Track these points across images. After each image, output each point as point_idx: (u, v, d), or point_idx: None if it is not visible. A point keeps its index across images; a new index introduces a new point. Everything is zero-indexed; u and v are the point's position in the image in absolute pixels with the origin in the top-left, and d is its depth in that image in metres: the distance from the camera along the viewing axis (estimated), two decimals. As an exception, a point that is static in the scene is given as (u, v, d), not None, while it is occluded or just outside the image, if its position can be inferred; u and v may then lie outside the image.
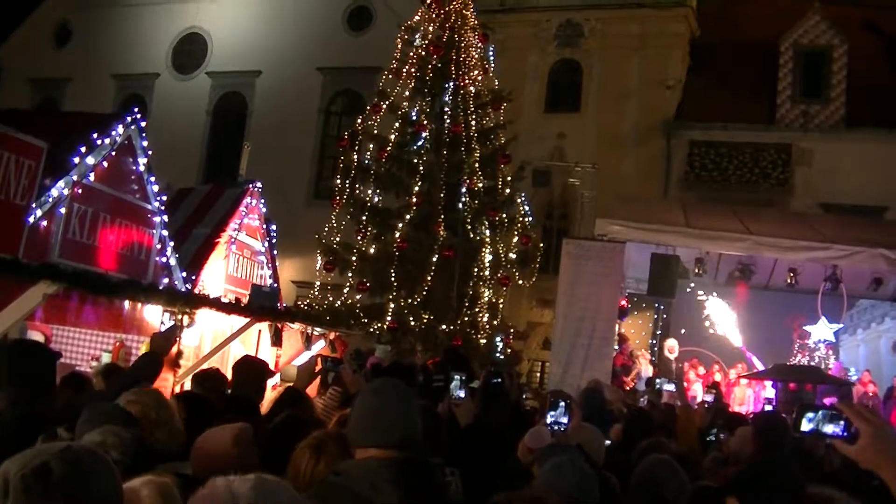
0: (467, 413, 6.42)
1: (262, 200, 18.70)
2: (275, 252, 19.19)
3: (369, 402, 3.59)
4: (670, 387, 14.49)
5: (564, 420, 5.39)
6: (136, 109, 14.45)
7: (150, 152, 14.38)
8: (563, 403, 5.46)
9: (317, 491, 3.30)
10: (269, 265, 18.91)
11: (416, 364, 11.12)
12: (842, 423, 2.73)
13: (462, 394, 6.29)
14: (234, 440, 4.07)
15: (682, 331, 21.59)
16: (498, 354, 20.86)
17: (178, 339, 10.82)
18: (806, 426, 2.74)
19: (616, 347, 17.91)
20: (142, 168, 14.19)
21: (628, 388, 17.98)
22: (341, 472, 3.36)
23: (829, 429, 2.73)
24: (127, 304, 11.72)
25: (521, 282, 22.11)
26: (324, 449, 3.95)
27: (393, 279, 20.58)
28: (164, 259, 14.97)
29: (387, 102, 22.29)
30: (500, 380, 7.45)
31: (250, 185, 18.35)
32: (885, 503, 2.50)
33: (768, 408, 16.73)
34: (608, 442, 7.21)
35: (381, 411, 3.52)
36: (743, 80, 28.53)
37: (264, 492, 2.18)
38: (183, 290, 14.82)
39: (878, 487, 2.63)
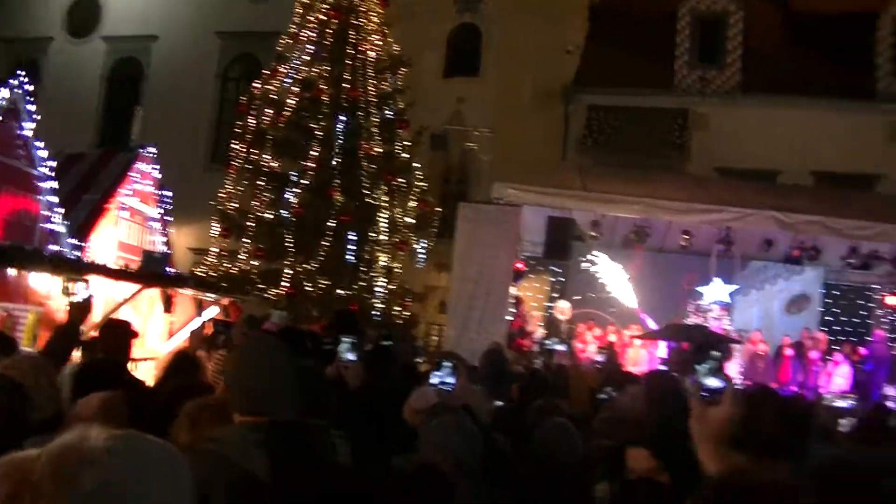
0: (356, 376, 6.40)
1: (157, 166, 18.40)
2: (168, 218, 18.90)
3: (238, 368, 3.54)
4: (560, 347, 14.75)
5: (450, 380, 5.42)
6: (22, 74, 14.08)
7: (37, 117, 14.02)
8: (448, 364, 5.47)
9: (189, 458, 3.23)
10: (162, 231, 18.63)
11: (305, 328, 11.04)
12: (721, 382, 2.78)
13: (351, 356, 6.29)
14: (101, 407, 3.97)
15: (577, 294, 21.89)
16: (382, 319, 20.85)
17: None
18: (699, 376, 2.80)
19: (513, 310, 18.07)
20: (28, 133, 13.84)
21: (526, 350, 18.18)
22: (215, 438, 3.31)
23: (711, 382, 2.78)
24: (12, 271, 11.44)
25: (417, 246, 22.15)
26: (200, 417, 3.87)
27: (289, 245, 20.44)
28: (51, 225, 14.62)
29: (285, 67, 22.06)
30: (389, 342, 7.44)
31: (142, 151, 18.01)
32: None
33: (661, 367, 17.02)
34: (499, 403, 7.26)
35: (250, 376, 3.47)
36: (641, 45, 28.70)
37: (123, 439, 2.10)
38: (71, 256, 14.50)
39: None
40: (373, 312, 20.54)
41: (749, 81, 28.15)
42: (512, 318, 18.02)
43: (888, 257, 18.32)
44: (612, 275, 21.46)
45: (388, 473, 3.27)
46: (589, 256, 21.45)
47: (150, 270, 14.33)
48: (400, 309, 21.82)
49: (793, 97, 26.96)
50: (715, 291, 20.93)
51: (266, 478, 3.11)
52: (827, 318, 22.66)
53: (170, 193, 19.22)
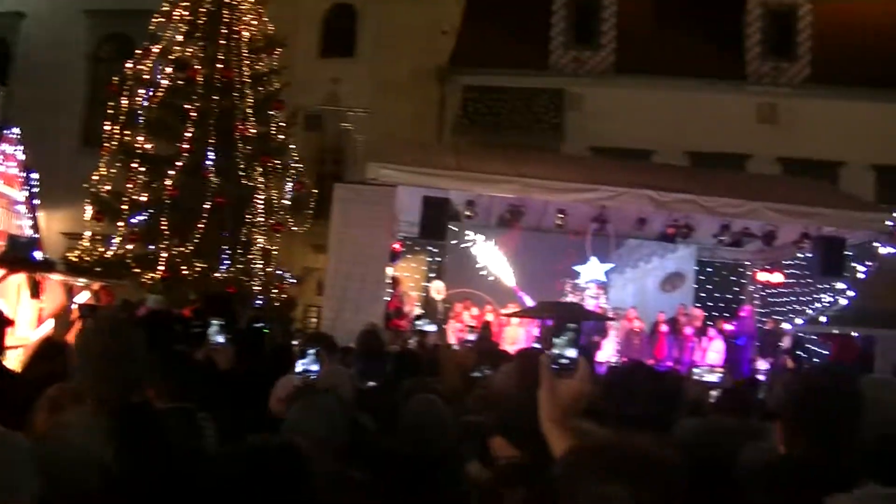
0: (226, 358, 6.30)
1: (22, 147, 17.84)
2: (36, 201, 18.38)
3: (81, 352, 3.44)
4: (431, 327, 14.82)
5: (314, 368, 5.37)
6: None
7: None
8: (311, 351, 5.43)
9: (39, 445, 3.14)
10: (30, 215, 18.11)
11: (175, 312, 10.83)
12: (575, 351, 2.76)
13: (221, 339, 6.18)
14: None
15: (454, 273, 22.08)
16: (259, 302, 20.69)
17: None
18: (555, 349, 2.76)
19: (389, 290, 18.07)
20: None
21: (402, 331, 18.20)
22: (64, 423, 3.21)
23: (570, 353, 2.76)
24: None
25: (294, 228, 22.02)
26: (60, 403, 3.79)
27: (164, 227, 20.07)
28: None
29: (158, 46, 21.60)
30: (261, 324, 7.35)
31: (6, 132, 17.45)
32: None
33: (537, 345, 17.17)
34: (373, 384, 7.22)
35: (93, 360, 3.37)
36: (517, 26, 28.77)
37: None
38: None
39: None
40: (251, 295, 20.32)
41: (623, 62, 28.50)
42: (389, 299, 18.02)
43: (759, 234, 18.73)
44: (490, 254, 21.58)
45: (241, 452, 3.20)
46: (468, 236, 21.58)
47: (15, 255, 13.85)
48: (277, 291, 21.63)
49: (666, 78, 27.42)
50: (591, 270, 21.23)
51: (111, 462, 3.02)
52: (701, 294, 23.15)
53: (36, 176, 18.65)
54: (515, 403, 3.14)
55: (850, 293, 17.55)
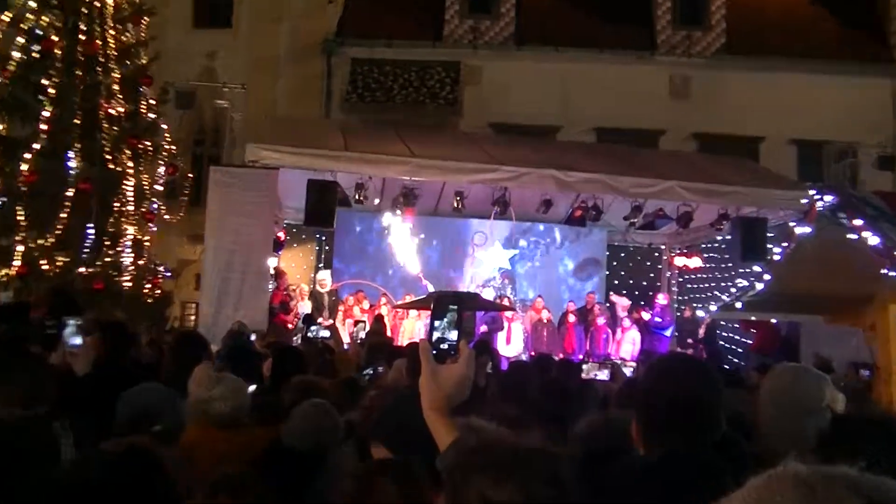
0: (85, 361, 6.20)
1: None
2: None
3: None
4: (325, 333, 14.77)
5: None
6: None
7: None
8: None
9: None
10: None
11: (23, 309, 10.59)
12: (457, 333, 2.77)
13: (77, 340, 6.09)
14: None
15: (344, 262, 22.07)
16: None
17: None
18: (435, 333, 2.77)
19: (273, 284, 17.97)
20: None
21: (291, 327, 18.12)
22: None
23: (452, 336, 2.77)
24: None
25: (168, 216, 21.71)
26: None
27: (21, 218, 19.60)
28: None
29: (7, 15, 21.07)
30: (123, 324, 7.25)
31: None
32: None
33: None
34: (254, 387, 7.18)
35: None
36: (409, -6, 28.82)
37: None
38: None
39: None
40: (120, 291, 19.96)
41: (524, 33, 28.60)
42: (272, 293, 17.91)
43: (673, 216, 18.93)
44: (396, 240, 21.44)
45: (94, 457, 3.17)
46: (361, 221, 21.54)
47: None
48: (151, 287, 21.27)
49: (570, 49, 27.68)
50: (494, 257, 21.35)
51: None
52: (614, 281, 23.39)
53: None
54: (402, 401, 3.15)
55: (767, 277, 17.86)
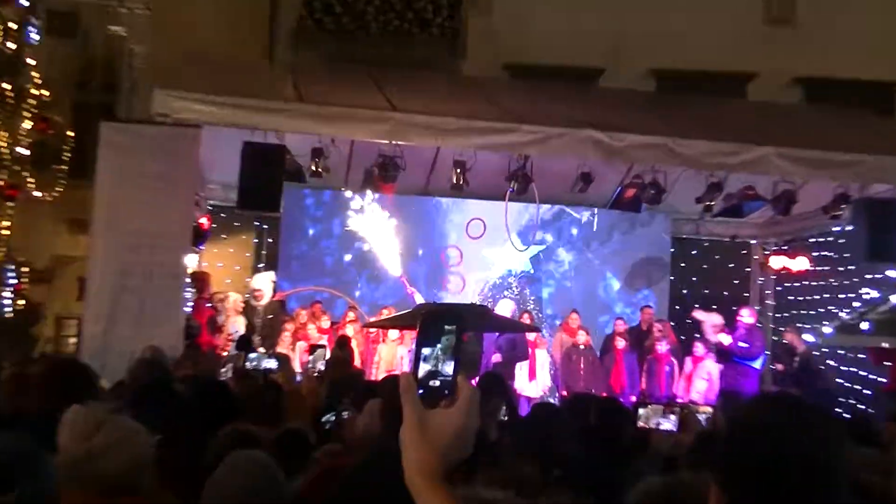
0: None
1: None
2: None
3: None
4: (271, 363, 14.61)
5: None
6: None
7: None
8: None
9: None
10: None
11: None
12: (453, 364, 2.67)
13: None
14: None
15: (294, 262, 21.92)
16: None
17: None
18: (423, 367, 2.65)
19: (193, 290, 17.88)
20: None
21: (224, 353, 17.95)
22: None
23: (447, 369, 2.66)
24: None
25: (39, 193, 21.67)
26: None
27: None
28: None
29: None
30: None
31: None
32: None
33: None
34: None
35: None
36: None
37: None
38: None
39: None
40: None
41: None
42: (192, 305, 17.81)
43: (768, 197, 18.78)
44: (369, 229, 21.38)
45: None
46: (353, 204, 21.45)
47: None
48: (13, 295, 21.22)
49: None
50: (508, 256, 21.30)
51: None
52: (682, 290, 23.26)
53: None
54: (372, 462, 3.07)
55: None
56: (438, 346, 2.65)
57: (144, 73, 22.46)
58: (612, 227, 22.65)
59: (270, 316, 19.80)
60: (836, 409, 17.99)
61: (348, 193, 20.68)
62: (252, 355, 15.08)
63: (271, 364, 14.36)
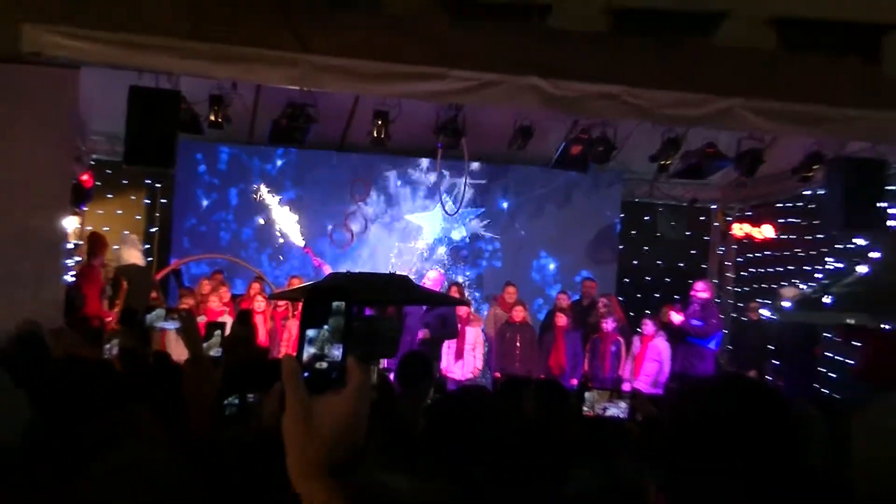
0: None
1: None
2: None
3: None
4: (171, 325, 14.45)
5: None
6: None
7: None
8: None
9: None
10: None
11: None
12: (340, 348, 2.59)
13: None
14: None
15: (188, 226, 21.79)
16: None
17: None
18: (307, 351, 2.56)
19: (78, 259, 17.77)
20: None
21: (109, 329, 17.86)
22: None
23: (335, 351, 2.58)
24: None
25: None
26: None
27: None
28: None
29: None
30: None
31: None
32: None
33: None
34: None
35: None
36: None
37: None
38: None
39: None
40: None
41: None
42: (75, 275, 17.68)
43: (731, 156, 18.76)
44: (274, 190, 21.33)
45: None
46: (259, 160, 21.33)
47: None
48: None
49: None
50: (437, 221, 21.27)
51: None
52: (632, 261, 23.28)
53: None
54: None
55: (875, 255, 17.68)
56: (325, 326, 2.57)
57: (8, 3, 22.24)
58: (554, 189, 22.57)
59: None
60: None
61: (259, 152, 20.54)
62: (151, 315, 14.89)
63: (171, 325, 14.15)
